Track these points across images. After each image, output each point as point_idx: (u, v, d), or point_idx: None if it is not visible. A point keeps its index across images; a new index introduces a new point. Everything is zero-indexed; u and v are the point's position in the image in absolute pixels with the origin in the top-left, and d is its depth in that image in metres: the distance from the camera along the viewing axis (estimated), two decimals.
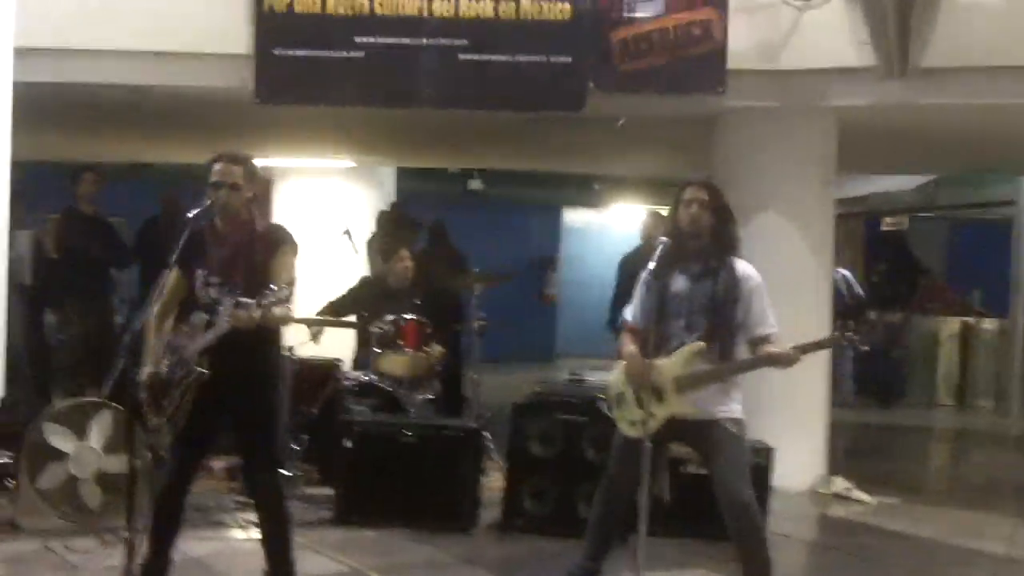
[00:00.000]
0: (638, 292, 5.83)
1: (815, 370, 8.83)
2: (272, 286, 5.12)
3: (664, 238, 5.69)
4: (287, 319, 5.39)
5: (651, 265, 5.56)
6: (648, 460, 5.20)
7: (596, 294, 14.89)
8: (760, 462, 6.97)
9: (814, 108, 8.96)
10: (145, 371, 5.37)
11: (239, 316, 5.12)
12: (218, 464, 8.12)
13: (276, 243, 5.48)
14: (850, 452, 9.90)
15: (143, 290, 10.55)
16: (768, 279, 5.68)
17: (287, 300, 5.16)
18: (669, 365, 5.53)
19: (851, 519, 8.46)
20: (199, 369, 5.26)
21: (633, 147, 12.26)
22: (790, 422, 8.54)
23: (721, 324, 5.56)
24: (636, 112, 9.39)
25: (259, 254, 5.41)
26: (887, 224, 16.40)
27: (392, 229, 11.99)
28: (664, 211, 12.42)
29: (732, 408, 5.58)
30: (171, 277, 5.44)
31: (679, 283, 5.65)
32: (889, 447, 12.67)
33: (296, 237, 5.55)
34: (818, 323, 8.62)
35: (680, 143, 11.24)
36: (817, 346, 5.83)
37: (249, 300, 5.11)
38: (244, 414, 5.49)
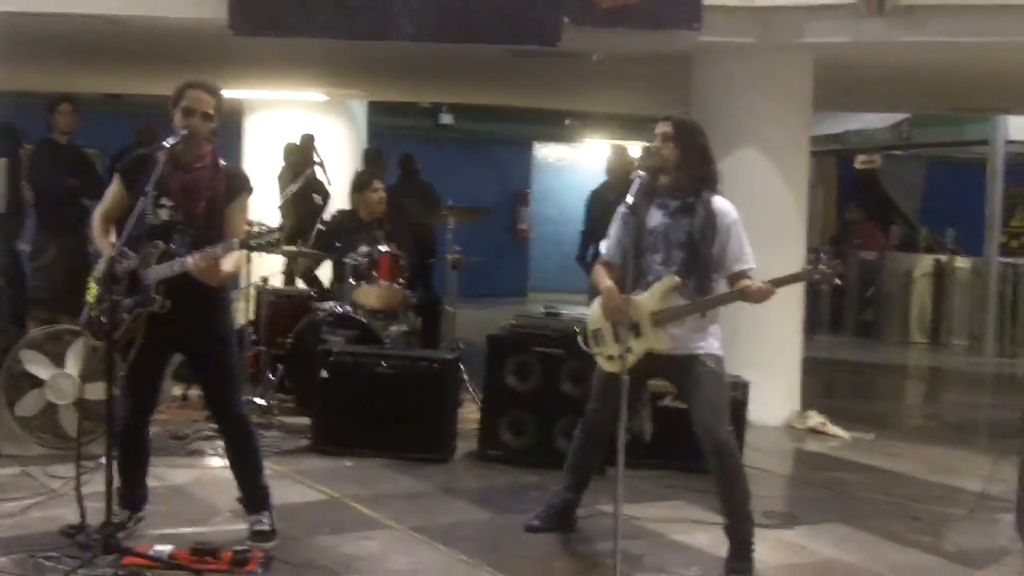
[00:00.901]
0: (614, 226, 5.87)
1: (790, 305, 8.99)
2: (232, 239, 5.22)
3: (641, 172, 5.74)
4: (235, 276, 5.50)
5: (628, 199, 5.57)
6: (627, 395, 5.26)
7: (568, 230, 15.05)
8: (736, 396, 7.07)
9: (791, 45, 9.03)
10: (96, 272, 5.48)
11: (203, 268, 5.22)
12: (193, 392, 8.23)
13: (238, 187, 5.56)
14: (824, 389, 10.08)
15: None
16: (744, 215, 5.72)
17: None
18: (646, 300, 5.60)
19: (826, 453, 8.63)
20: (158, 299, 5.32)
21: (608, 83, 12.34)
22: (765, 357, 8.71)
23: (697, 259, 5.62)
24: (612, 48, 9.45)
25: (221, 193, 5.48)
26: (861, 163, 16.52)
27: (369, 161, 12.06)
28: (633, 147, 12.62)
29: (710, 344, 5.66)
30: (115, 184, 5.56)
31: (656, 218, 5.70)
32: (863, 384, 12.85)
33: (251, 183, 5.65)
34: (793, 260, 8.73)
35: (656, 80, 11.31)
36: (792, 279, 5.91)
37: (212, 249, 5.22)
38: (199, 348, 5.59)
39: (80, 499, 5.38)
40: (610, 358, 5.73)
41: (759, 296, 5.55)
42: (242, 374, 5.83)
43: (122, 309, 5.34)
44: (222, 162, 5.61)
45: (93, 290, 5.52)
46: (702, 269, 5.64)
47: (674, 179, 5.73)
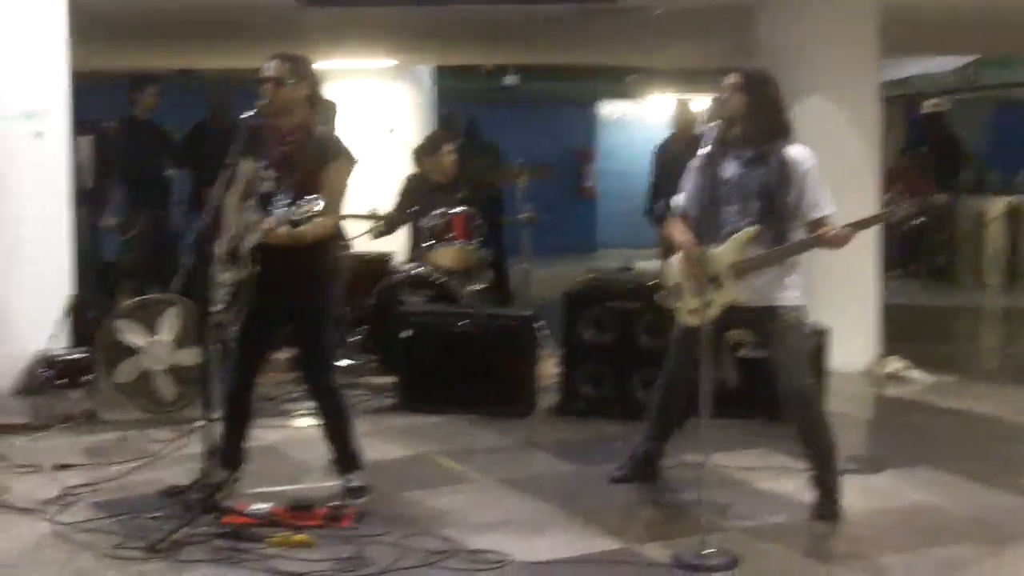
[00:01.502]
0: (688, 178, 5.85)
1: (866, 250, 8.94)
2: (306, 197, 5.20)
3: (714, 124, 5.73)
4: (316, 234, 5.38)
5: (702, 150, 5.57)
6: (709, 348, 5.25)
7: (633, 185, 14.99)
8: (817, 344, 7.07)
9: None
10: (223, 245, 5.54)
11: (269, 231, 5.29)
12: (283, 355, 8.35)
13: (331, 153, 5.56)
14: (903, 333, 10.00)
15: (194, 193, 10.81)
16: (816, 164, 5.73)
17: (321, 213, 5.20)
18: (724, 252, 5.60)
19: (908, 398, 8.59)
20: (249, 266, 5.42)
21: (671, 38, 12.27)
22: (843, 303, 8.66)
23: (773, 208, 5.59)
24: (674, 1, 9.40)
25: (312, 159, 5.50)
26: (928, 106, 16.31)
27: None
28: (697, 100, 12.55)
29: (791, 294, 5.64)
30: (245, 167, 5.58)
31: (730, 169, 5.67)
32: (941, 328, 12.72)
33: (352, 152, 5.62)
34: (866, 209, 8.71)
35: (718, 32, 11.25)
36: (872, 221, 5.88)
37: (283, 210, 5.26)
38: (294, 312, 5.63)
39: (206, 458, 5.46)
40: (690, 311, 5.73)
41: (837, 241, 5.53)
42: (334, 349, 5.87)
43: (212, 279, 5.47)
44: (316, 130, 5.62)
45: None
46: (778, 218, 5.61)
47: (745, 130, 5.69)
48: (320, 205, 5.18)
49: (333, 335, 5.87)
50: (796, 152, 5.67)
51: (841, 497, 5.65)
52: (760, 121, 5.68)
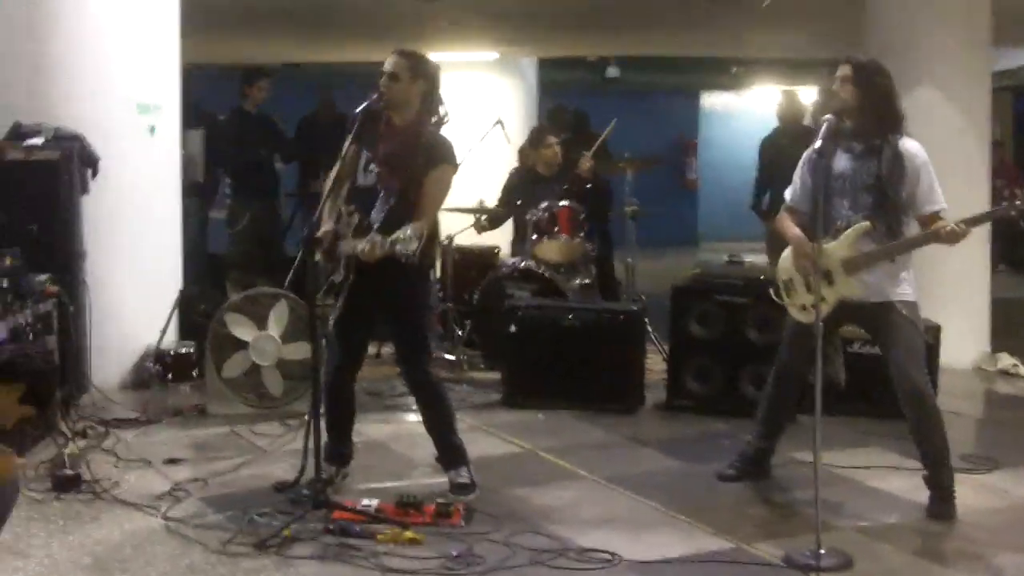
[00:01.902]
0: (799, 172, 5.75)
1: (976, 244, 8.72)
2: (406, 228, 5.12)
3: (829, 116, 5.60)
4: (412, 254, 5.20)
5: (816, 144, 5.41)
6: (821, 345, 5.10)
7: (736, 177, 14.83)
8: (929, 340, 6.90)
9: None
10: (323, 230, 5.49)
11: (367, 254, 5.23)
12: (387, 350, 8.36)
13: (438, 157, 5.49)
14: (1013, 329, 9.76)
15: (302, 186, 10.88)
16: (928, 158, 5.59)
17: (419, 237, 5.14)
18: (836, 247, 5.48)
19: (1020, 395, 8.40)
20: (342, 271, 5.43)
21: (777, 28, 12.11)
22: (953, 298, 8.48)
23: (886, 202, 5.47)
24: None
25: (420, 163, 5.45)
26: None
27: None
28: (802, 91, 12.36)
29: (904, 290, 5.51)
30: (349, 150, 5.55)
31: (842, 162, 5.56)
32: None
33: (456, 157, 5.58)
34: (977, 202, 8.51)
35: (825, 23, 11.08)
36: (986, 217, 5.73)
37: (376, 237, 5.22)
38: (390, 306, 5.61)
39: (305, 454, 5.45)
40: (803, 308, 5.63)
41: (952, 237, 5.39)
42: (432, 340, 5.85)
43: (322, 273, 5.45)
44: (427, 131, 5.56)
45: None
46: (891, 212, 5.49)
47: (858, 122, 5.57)
48: (414, 244, 5.10)
49: (430, 328, 5.84)
50: (910, 145, 5.54)
51: (955, 497, 5.51)
52: (872, 114, 5.55)
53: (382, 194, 5.49)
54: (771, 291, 5.96)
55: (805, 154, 5.70)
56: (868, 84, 5.56)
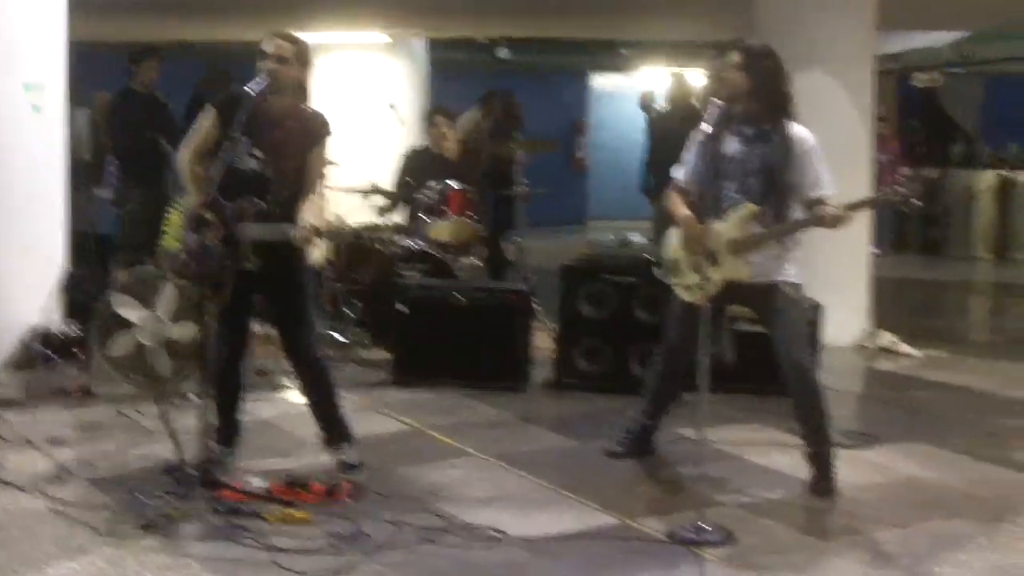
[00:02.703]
0: (689, 153, 5.78)
1: (857, 225, 8.87)
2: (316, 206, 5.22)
3: (718, 100, 5.65)
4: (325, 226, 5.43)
5: (705, 127, 5.49)
6: (707, 324, 5.22)
7: (625, 158, 14.96)
8: (812, 319, 7.04)
9: None
10: (189, 205, 5.43)
11: (306, 239, 5.24)
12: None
13: (324, 132, 5.55)
14: (893, 307, 9.97)
15: None
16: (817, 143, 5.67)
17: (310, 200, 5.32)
18: (724, 228, 5.52)
19: (899, 372, 8.58)
20: (252, 258, 5.35)
21: (665, 10, 12.18)
22: (834, 277, 8.60)
23: (774, 187, 5.53)
24: None
25: (306, 144, 5.48)
26: (920, 81, 16.28)
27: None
28: (691, 74, 12.46)
29: (789, 271, 5.60)
30: (209, 118, 5.50)
31: (732, 146, 5.60)
32: (932, 301, 12.73)
33: (331, 125, 5.61)
34: (860, 181, 8.69)
35: (714, 5, 11.17)
36: (869, 204, 5.82)
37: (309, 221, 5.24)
38: (279, 289, 5.59)
39: (175, 437, 5.43)
40: (688, 287, 5.67)
41: (835, 222, 5.46)
42: (316, 317, 5.83)
43: (212, 255, 5.31)
44: (307, 112, 5.57)
45: (176, 223, 5.52)
46: (779, 197, 5.55)
47: (748, 107, 5.63)
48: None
49: (313, 303, 5.79)
50: (798, 130, 5.61)
51: (836, 472, 5.61)
52: (763, 99, 5.62)
53: (273, 179, 5.43)
54: (657, 271, 6.01)
55: (694, 134, 5.72)
56: (758, 69, 5.62)
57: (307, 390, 5.79)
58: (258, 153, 5.45)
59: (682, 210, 5.72)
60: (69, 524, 4.99)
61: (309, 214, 5.30)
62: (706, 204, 5.57)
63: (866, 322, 9.31)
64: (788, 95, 5.67)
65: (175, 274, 5.59)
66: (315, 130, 5.54)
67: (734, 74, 5.62)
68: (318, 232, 5.27)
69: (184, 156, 5.58)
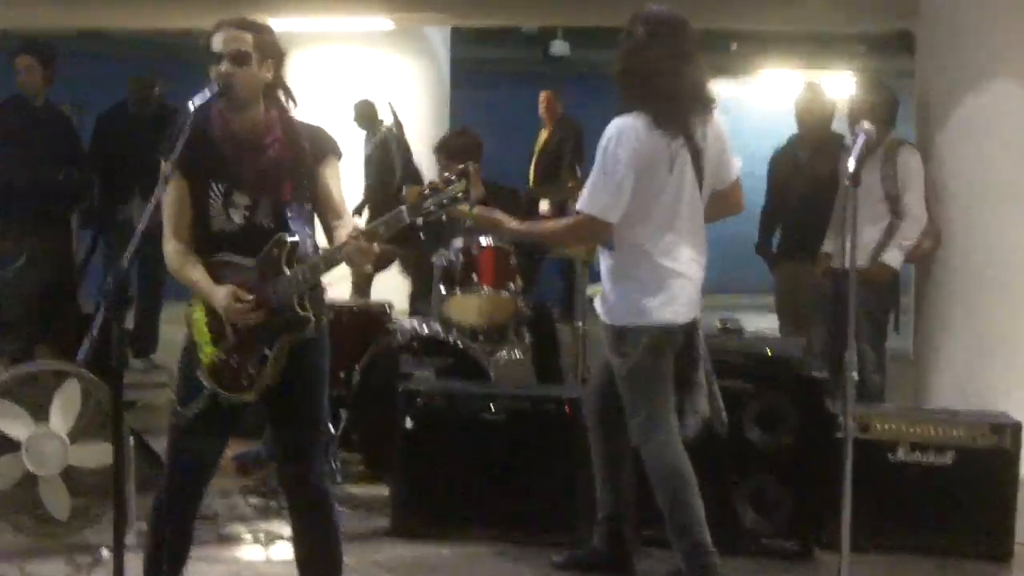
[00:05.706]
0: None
1: None
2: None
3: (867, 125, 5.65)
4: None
5: (850, 164, 5.51)
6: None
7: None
8: None
9: None
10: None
11: (364, 248, 5.17)
12: (228, 453, 8.27)
13: (327, 149, 5.54)
14: None
15: (105, 211, 10.74)
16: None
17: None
18: None
19: None
20: (308, 315, 5.35)
21: None
22: None
23: None
24: None
25: (303, 172, 5.43)
26: None
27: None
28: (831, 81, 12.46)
29: None
30: (174, 187, 5.42)
31: None
32: None
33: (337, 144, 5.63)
34: None
35: None
36: None
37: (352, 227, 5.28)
38: (290, 378, 5.49)
39: None
40: None
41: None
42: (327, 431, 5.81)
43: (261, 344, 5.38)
44: (297, 125, 5.54)
45: (203, 330, 5.49)
46: None
47: None
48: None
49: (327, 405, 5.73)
50: None
51: None
52: None
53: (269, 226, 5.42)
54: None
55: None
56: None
57: (300, 533, 5.71)
58: (240, 199, 5.42)
59: None
60: None
61: (344, 231, 5.27)
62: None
63: None
64: None
65: (218, 385, 5.50)
66: (324, 146, 5.52)
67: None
68: (373, 236, 5.20)
69: (172, 257, 5.50)
